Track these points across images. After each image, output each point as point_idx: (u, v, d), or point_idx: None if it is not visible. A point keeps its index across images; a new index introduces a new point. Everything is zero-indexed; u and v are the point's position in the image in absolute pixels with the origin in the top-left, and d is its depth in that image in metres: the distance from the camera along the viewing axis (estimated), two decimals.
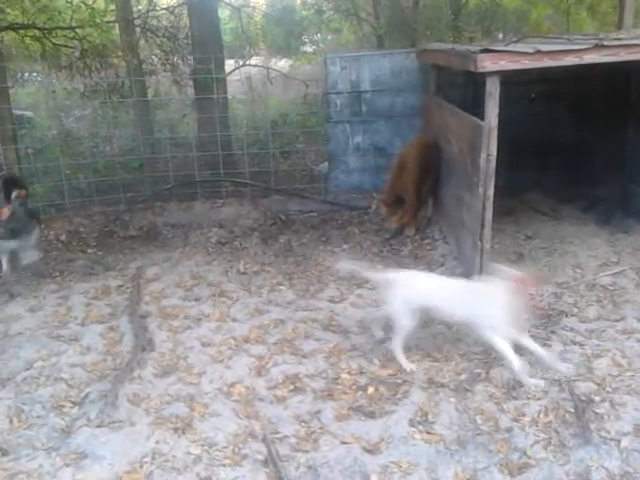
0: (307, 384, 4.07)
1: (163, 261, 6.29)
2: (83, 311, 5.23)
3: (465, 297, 4.12)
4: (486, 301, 3.99)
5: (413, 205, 6.69)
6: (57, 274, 6.02)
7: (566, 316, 4.76)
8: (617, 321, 4.68)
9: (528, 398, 3.81)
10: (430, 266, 5.91)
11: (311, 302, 5.30)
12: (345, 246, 6.54)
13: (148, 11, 10.24)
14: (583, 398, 3.76)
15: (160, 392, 4.03)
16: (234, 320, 5.00)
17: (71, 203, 7.37)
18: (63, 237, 6.92)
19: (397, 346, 4.17)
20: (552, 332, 4.54)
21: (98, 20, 7.92)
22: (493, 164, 4.94)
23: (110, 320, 5.06)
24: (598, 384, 3.90)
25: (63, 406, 3.91)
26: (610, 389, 3.86)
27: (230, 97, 8.36)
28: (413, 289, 4.20)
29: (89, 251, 6.62)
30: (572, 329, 4.57)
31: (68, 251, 6.61)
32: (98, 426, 3.68)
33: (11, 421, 3.78)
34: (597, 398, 3.77)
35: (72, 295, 5.55)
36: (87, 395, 4.01)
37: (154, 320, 5.01)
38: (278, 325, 4.89)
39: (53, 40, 9.60)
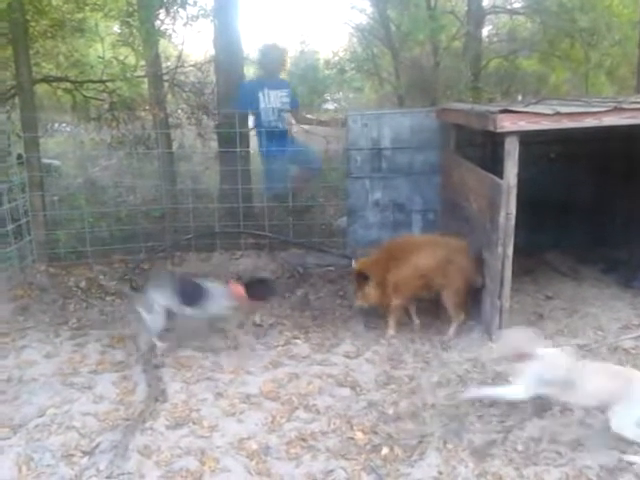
0: (320, 441, 3.99)
1: None
2: (98, 359, 5.23)
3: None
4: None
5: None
6: (75, 321, 6.06)
7: None
8: None
9: (548, 464, 3.69)
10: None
11: (326, 357, 5.24)
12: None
13: (177, 67, 10.57)
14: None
15: (171, 445, 3.97)
16: (248, 373, 4.95)
17: (92, 251, 7.46)
18: (83, 284, 6.96)
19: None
20: None
21: (129, 75, 8.16)
22: (512, 223, 4.95)
23: (124, 369, 5.04)
24: (622, 453, 3.77)
25: (73, 455, 3.86)
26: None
27: (252, 151, 8.49)
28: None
29: (107, 299, 6.66)
30: None
31: (87, 298, 6.66)
32: (107, 477, 3.62)
33: (20, 470, 3.72)
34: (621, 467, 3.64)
35: (88, 342, 5.56)
36: (98, 445, 3.96)
37: (168, 370, 4.99)
38: (292, 379, 4.83)
39: (84, 92, 9.95)
